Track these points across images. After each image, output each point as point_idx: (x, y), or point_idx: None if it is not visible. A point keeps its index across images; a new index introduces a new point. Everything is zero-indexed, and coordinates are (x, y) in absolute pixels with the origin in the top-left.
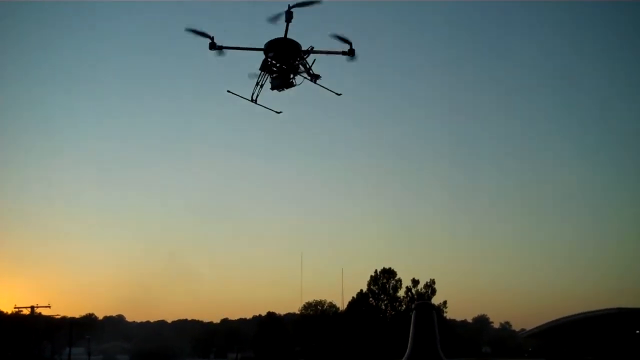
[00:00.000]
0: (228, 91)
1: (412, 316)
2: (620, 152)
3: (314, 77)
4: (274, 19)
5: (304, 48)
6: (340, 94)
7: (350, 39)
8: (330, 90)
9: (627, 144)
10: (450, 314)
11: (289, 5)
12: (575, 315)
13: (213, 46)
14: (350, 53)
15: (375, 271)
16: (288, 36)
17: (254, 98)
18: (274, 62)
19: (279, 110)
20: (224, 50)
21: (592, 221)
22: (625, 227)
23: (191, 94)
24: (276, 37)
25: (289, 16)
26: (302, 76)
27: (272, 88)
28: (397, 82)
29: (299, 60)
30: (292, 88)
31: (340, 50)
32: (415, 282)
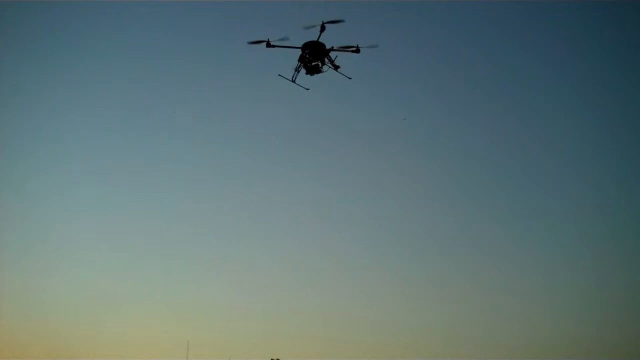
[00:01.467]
0: (279, 75)
1: None
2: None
3: (336, 67)
4: (308, 27)
5: (327, 47)
6: (350, 78)
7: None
8: (344, 75)
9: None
10: None
11: (322, 21)
12: None
13: (269, 44)
14: (357, 51)
15: None
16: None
17: (294, 79)
18: (308, 56)
19: (307, 87)
20: (275, 47)
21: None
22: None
23: None
24: (311, 40)
25: (322, 28)
26: (328, 66)
27: (307, 73)
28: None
29: (324, 56)
30: (319, 75)
31: (351, 49)
32: None
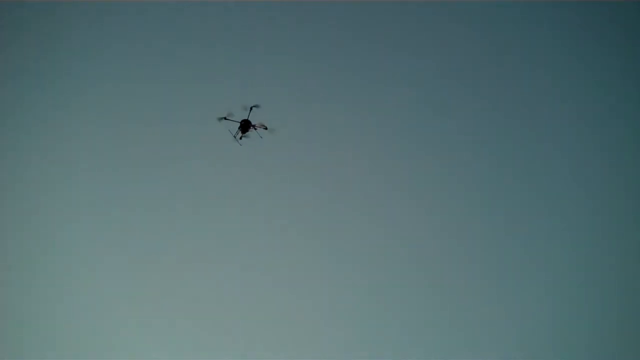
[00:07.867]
0: (229, 131)
1: None
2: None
3: (256, 130)
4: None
5: (252, 123)
6: (262, 137)
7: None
8: (260, 136)
9: None
10: None
11: (250, 107)
12: None
13: (224, 119)
14: (265, 128)
15: None
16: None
17: (235, 136)
18: (243, 125)
19: (241, 144)
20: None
21: None
22: None
23: None
24: (245, 117)
25: (250, 110)
26: (254, 130)
27: (242, 133)
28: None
29: (250, 126)
30: (247, 134)
31: (263, 126)
32: None
